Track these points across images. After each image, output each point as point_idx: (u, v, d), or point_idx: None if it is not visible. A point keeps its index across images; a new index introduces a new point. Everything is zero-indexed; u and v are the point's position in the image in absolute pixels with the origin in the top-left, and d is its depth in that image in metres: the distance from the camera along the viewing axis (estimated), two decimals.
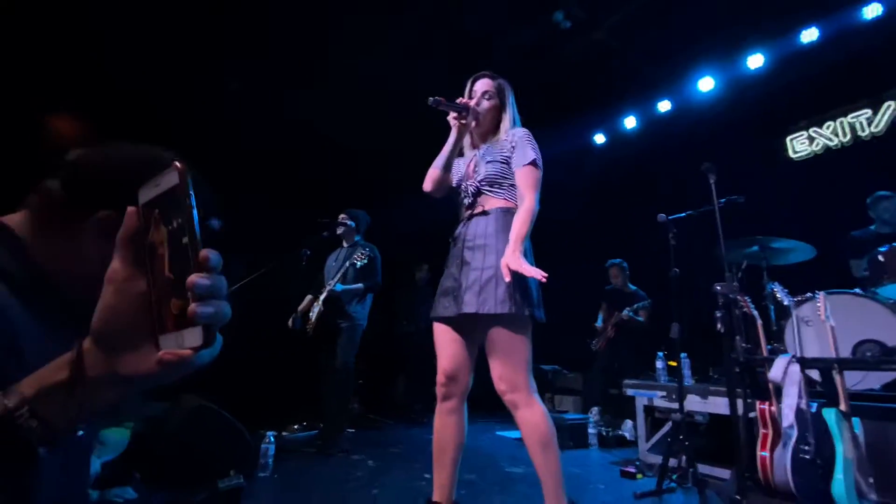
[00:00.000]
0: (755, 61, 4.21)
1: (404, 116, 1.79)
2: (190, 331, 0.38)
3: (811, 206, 3.63)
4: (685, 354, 2.89)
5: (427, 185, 1.84)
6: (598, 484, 2.64)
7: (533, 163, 1.72)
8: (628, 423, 3.72)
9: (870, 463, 1.81)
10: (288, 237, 3.95)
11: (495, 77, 1.90)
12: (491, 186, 1.78)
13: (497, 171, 1.77)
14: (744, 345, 2.12)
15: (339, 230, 3.58)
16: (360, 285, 3.39)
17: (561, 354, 4.99)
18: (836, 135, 4.01)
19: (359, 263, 3.33)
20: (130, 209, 0.41)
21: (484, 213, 1.77)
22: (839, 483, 1.73)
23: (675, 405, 2.68)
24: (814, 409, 1.92)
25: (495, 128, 1.88)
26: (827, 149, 4.06)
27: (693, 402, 2.82)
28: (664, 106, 4.84)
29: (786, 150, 4.26)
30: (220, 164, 4.48)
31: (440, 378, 1.73)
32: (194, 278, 0.37)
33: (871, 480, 1.78)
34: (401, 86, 1.94)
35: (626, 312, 4.25)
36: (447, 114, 1.78)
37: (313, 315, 3.43)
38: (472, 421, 1.79)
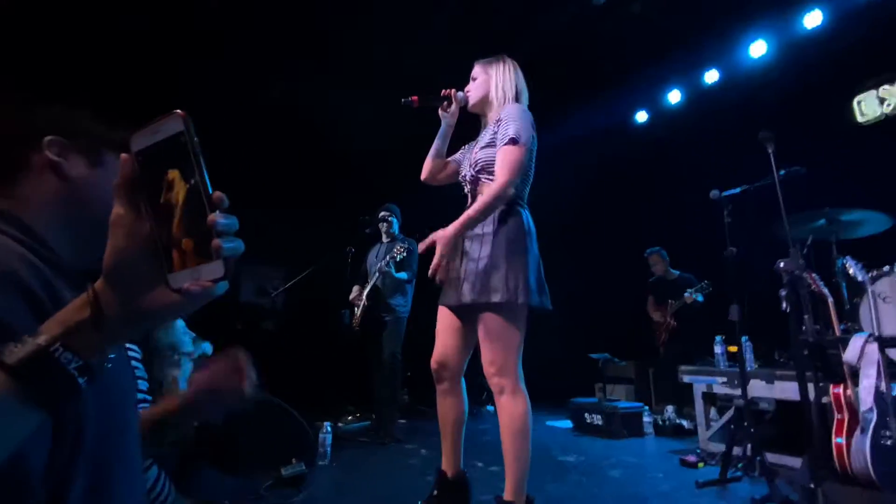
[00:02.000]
0: (812, 19, 3.86)
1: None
2: (209, 265, 0.40)
3: (883, 173, 3.31)
4: (746, 338, 2.73)
5: (422, 175, 1.92)
6: (657, 473, 2.57)
7: (511, 141, 1.61)
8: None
9: None
10: (330, 237, 4.06)
11: (487, 59, 1.86)
12: (485, 173, 1.71)
13: (488, 155, 1.70)
14: (814, 325, 1.98)
15: (383, 227, 3.66)
16: (403, 274, 3.45)
17: (610, 342, 4.85)
18: None
19: (399, 257, 3.39)
20: (124, 156, 0.42)
21: None
22: None
23: (738, 391, 2.55)
24: (895, 392, 1.78)
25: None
26: None
27: (757, 388, 2.67)
28: (711, 76, 4.54)
29: (852, 113, 3.90)
30: (261, 175, 4.67)
31: (432, 364, 1.80)
32: (215, 217, 0.39)
33: None
34: (438, 78, 1.94)
35: (688, 294, 4.01)
36: (436, 110, 1.84)
37: (358, 310, 3.53)
38: None
